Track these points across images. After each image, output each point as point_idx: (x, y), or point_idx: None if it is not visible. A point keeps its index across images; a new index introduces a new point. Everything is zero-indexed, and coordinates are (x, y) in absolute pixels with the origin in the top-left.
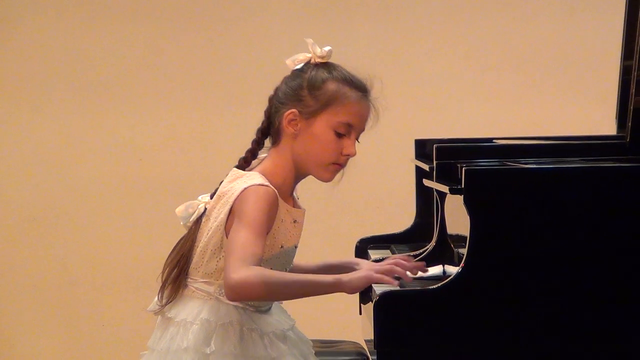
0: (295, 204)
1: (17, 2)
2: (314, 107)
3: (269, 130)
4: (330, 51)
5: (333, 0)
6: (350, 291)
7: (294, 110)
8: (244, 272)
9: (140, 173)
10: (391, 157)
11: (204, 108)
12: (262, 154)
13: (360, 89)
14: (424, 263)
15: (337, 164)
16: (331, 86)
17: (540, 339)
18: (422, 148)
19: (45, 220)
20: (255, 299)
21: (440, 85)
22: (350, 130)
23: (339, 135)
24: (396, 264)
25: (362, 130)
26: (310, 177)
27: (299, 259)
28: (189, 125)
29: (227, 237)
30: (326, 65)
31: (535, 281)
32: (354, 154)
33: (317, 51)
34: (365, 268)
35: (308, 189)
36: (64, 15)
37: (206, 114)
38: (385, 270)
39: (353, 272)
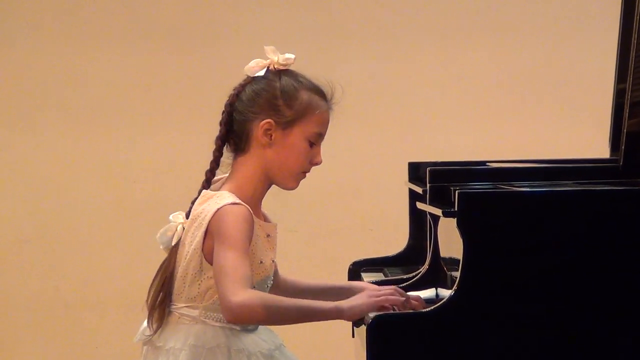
0: (265, 219)
1: (11, 25)
2: (290, 117)
3: (227, 138)
4: (293, 59)
5: (326, 23)
6: (349, 319)
7: (269, 120)
8: (243, 295)
9: (134, 196)
10: (384, 179)
11: (198, 131)
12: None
13: (326, 97)
14: (421, 301)
15: (304, 173)
16: (304, 95)
17: None
18: (416, 171)
19: (38, 242)
20: (254, 322)
21: (433, 108)
22: (319, 139)
23: (310, 145)
24: (396, 292)
25: (324, 138)
26: (301, 203)
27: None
28: (183, 149)
29: (205, 260)
30: (290, 73)
31: (529, 304)
32: (321, 162)
33: (280, 58)
34: (364, 295)
35: (301, 212)
36: (58, 38)
37: (200, 137)
38: (385, 300)
39: (353, 299)
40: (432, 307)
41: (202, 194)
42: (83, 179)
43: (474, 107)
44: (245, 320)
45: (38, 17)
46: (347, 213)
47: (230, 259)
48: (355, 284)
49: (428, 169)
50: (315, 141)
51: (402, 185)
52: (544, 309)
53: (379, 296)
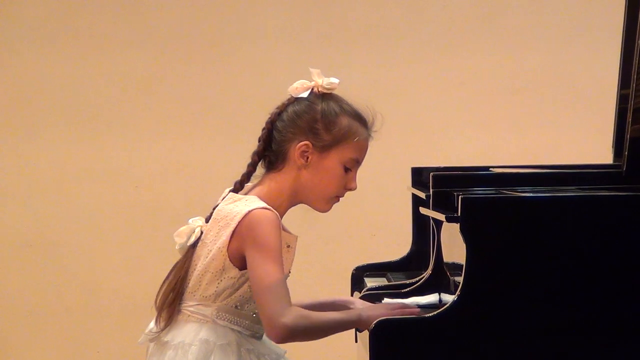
0: (286, 230)
1: (13, 31)
2: (328, 141)
3: (264, 154)
4: (337, 83)
5: (329, 30)
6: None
7: (307, 142)
8: (290, 315)
9: (136, 200)
10: (388, 185)
11: (199, 136)
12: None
13: (367, 125)
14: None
15: (338, 197)
16: (344, 121)
17: None
18: (419, 176)
19: (40, 246)
20: (299, 340)
21: (437, 114)
22: (356, 165)
23: (346, 170)
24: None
25: (361, 164)
26: (302, 205)
27: (296, 286)
28: (185, 153)
29: (230, 260)
30: (333, 98)
31: (532, 309)
32: (356, 188)
33: (325, 82)
34: (383, 307)
35: (304, 217)
36: (61, 43)
37: (202, 141)
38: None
39: (371, 309)
40: (435, 312)
41: (228, 195)
42: (85, 184)
43: (477, 112)
44: (293, 340)
45: (41, 21)
46: (350, 218)
47: (272, 272)
48: (350, 299)
49: (431, 174)
50: (351, 167)
51: (405, 191)
52: (546, 314)
53: (397, 308)
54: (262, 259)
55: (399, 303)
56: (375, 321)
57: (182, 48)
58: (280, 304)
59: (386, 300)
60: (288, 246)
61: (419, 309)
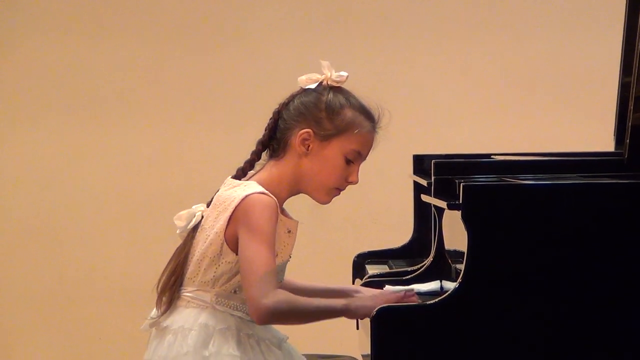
0: (287, 215)
1: (17, 18)
2: (330, 131)
3: (269, 143)
4: (346, 77)
5: (331, 17)
6: (353, 318)
7: (309, 130)
8: (274, 297)
9: (138, 186)
10: (389, 172)
11: (201, 122)
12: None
13: (373, 119)
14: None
15: (338, 189)
16: (349, 113)
17: (539, 355)
18: (420, 164)
19: (42, 232)
20: (281, 323)
21: (438, 101)
22: (359, 158)
23: (347, 162)
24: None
25: (365, 159)
26: (306, 196)
27: (298, 273)
28: (187, 139)
29: (226, 245)
30: (341, 91)
31: (533, 297)
32: (357, 182)
33: (334, 75)
34: (379, 297)
35: (305, 204)
36: (64, 30)
37: (204, 127)
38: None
39: (363, 300)
40: (437, 299)
41: (227, 182)
42: (87, 171)
43: (479, 100)
44: (274, 322)
45: (43, 11)
46: (352, 205)
47: (260, 253)
48: (358, 287)
49: (433, 161)
50: (353, 159)
51: (406, 178)
52: (548, 301)
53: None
54: (252, 241)
55: (394, 294)
56: (371, 309)
57: (185, 37)
58: (265, 286)
59: (387, 287)
60: (289, 231)
61: (415, 297)
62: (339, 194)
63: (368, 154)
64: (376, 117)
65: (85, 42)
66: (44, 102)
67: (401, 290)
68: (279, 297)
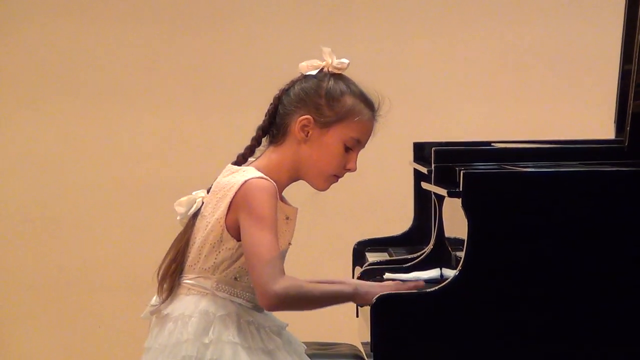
0: (285, 202)
1: (16, 4)
2: (330, 117)
3: (269, 129)
4: (347, 64)
5: (332, 3)
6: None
7: (308, 116)
8: (283, 282)
9: (138, 175)
10: (389, 160)
11: (201, 110)
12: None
13: (373, 107)
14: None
15: (336, 176)
16: (349, 100)
17: (538, 342)
18: (421, 151)
19: (41, 221)
20: (290, 309)
21: (439, 89)
22: (358, 146)
23: (346, 149)
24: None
25: (364, 146)
26: (306, 183)
27: (298, 261)
28: (186, 127)
29: (227, 231)
30: (342, 78)
31: (533, 284)
32: (355, 170)
33: (335, 62)
34: (387, 285)
35: (305, 192)
36: (63, 16)
37: (203, 115)
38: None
39: (370, 286)
40: (437, 287)
41: (226, 168)
42: (87, 159)
43: (479, 87)
44: (284, 308)
45: None
46: (352, 193)
47: (264, 238)
48: (353, 280)
49: (433, 149)
50: (352, 146)
51: (407, 166)
52: (547, 289)
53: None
54: (255, 227)
55: (398, 283)
56: (376, 296)
57: (185, 21)
58: (273, 271)
59: (387, 275)
60: (287, 218)
61: (422, 283)
62: (337, 181)
63: (367, 141)
64: (376, 105)
65: (84, 29)
66: (42, 91)
67: (410, 282)
68: (287, 282)
